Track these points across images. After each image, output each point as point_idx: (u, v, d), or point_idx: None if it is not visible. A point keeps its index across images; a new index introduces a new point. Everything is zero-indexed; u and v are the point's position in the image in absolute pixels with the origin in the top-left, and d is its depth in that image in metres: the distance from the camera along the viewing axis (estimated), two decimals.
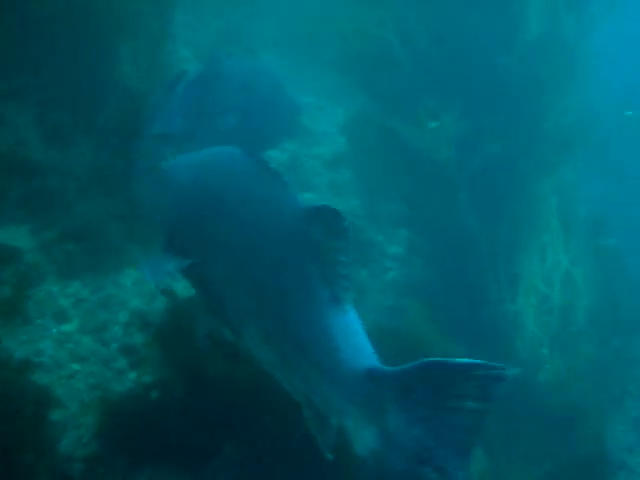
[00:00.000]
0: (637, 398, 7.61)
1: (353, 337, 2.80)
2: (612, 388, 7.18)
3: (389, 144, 5.70)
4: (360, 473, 2.65)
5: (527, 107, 5.93)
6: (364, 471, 2.64)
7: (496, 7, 5.94)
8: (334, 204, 2.85)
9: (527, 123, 5.89)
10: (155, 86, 5.00)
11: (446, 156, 5.46)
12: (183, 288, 3.88)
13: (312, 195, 6.19)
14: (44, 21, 4.58)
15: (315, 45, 7.04)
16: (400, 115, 5.68)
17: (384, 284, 5.88)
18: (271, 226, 2.96)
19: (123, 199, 4.47)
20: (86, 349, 3.96)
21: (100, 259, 4.43)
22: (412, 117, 5.61)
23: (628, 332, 7.38)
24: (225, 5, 7.30)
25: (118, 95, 4.76)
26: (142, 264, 3.17)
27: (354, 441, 2.69)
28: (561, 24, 6.07)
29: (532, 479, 6.03)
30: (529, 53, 6.00)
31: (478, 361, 2.46)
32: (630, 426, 7.58)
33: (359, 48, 5.95)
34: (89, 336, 4.03)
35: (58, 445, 3.69)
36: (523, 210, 6.10)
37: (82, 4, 4.64)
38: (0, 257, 4.01)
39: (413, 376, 2.55)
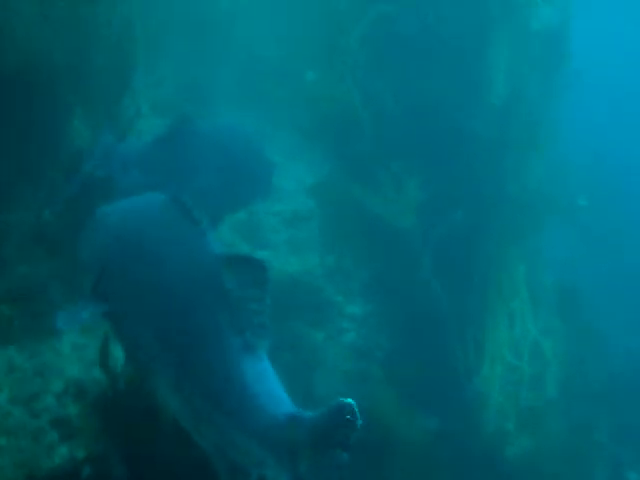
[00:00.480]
0: (605, 467, 7.38)
1: (268, 384, 2.77)
2: (581, 460, 6.96)
3: (352, 208, 5.57)
4: None
5: (493, 171, 5.84)
6: None
7: (461, 71, 5.90)
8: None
9: (492, 187, 5.80)
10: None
11: (408, 223, 5.33)
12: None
13: (268, 252, 6.06)
14: None
15: (280, 105, 6.95)
16: (364, 180, 5.56)
17: (341, 346, 5.68)
18: (184, 272, 2.92)
19: (67, 259, 4.23)
20: (15, 422, 3.67)
21: (39, 322, 4.17)
22: (376, 182, 5.49)
23: (597, 401, 7.19)
24: (186, 61, 7.22)
25: (70, 153, 4.58)
26: (58, 313, 3.07)
27: None
28: (526, 87, 6.03)
29: None
30: (494, 116, 5.94)
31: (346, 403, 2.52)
32: None
33: (326, 112, 5.86)
34: (19, 407, 3.74)
35: None
36: (490, 277, 5.94)
37: (40, 56, 4.48)
38: None
39: (320, 421, 2.57)
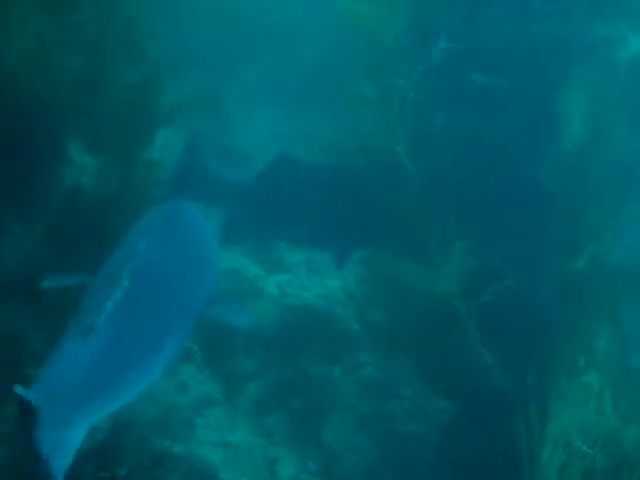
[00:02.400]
0: None
1: (63, 369, 2.87)
2: None
3: (390, 272, 4.96)
4: None
5: (562, 234, 4.99)
6: None
7: (529, 113, 5.19)
8: None
9: (560, 257, 4.95)
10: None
11: (446, 290, 4.66)
12: None
13: (288, 276, 5.50)
14: None
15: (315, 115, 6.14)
16: (405, 239, 4.95)
17: None
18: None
19: (48, 305, 3.94)
20: None
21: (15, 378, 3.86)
22: (419, 244, 4.86)
23: None
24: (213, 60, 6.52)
25: (69, 189, 4.34)
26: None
27: None
28: (609, 128, 5.20)
29: None
30: (568, 164, 5.16)
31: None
32: None
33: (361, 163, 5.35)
34: None
35: None
36: (558, 351, 5.09)
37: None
38: None
39: None
